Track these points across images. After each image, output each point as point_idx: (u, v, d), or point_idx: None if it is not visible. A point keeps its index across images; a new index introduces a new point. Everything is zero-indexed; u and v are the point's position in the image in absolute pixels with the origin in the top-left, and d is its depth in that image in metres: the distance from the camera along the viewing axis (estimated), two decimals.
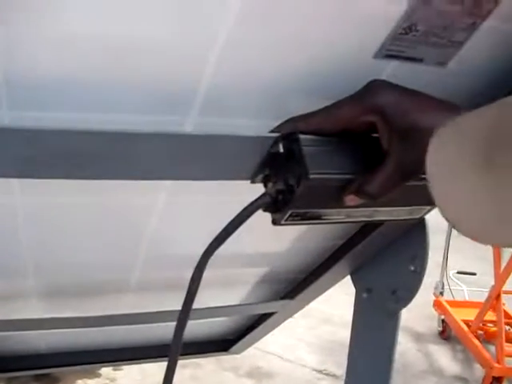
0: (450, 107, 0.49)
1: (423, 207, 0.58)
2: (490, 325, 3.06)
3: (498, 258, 2.86)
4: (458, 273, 3.62)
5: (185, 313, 0.66)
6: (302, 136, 0.49)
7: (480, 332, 3.05)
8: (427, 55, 0.53)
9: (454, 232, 3.24)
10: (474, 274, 3.61)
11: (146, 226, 0.79)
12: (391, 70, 0.54)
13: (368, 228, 0.81)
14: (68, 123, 0.47)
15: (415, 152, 0.46)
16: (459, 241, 3.52)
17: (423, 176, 0.51)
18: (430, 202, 0.58)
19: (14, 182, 0.63)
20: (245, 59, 0.49)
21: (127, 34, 0.45)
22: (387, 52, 0.51)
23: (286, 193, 0.50)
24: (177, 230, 0.81)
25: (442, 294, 3.36)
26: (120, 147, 0.48)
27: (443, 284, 3.36)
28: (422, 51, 0.52)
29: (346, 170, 0.50)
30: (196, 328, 1.28)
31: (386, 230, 0.77)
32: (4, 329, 1.03)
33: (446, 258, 3.32)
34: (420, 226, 0.76)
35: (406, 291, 0.81)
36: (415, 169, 0.47)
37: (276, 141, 0.50)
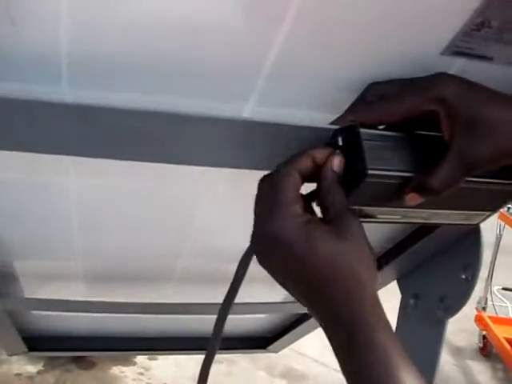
0: None
1: (482, 213, 0.56)
2: None
3: None
4: (503, 289, 3.52)
5: (226, 307, 0.65)
6: (362, 130, 0.47)
7: None
8: (498, 54, 0.51)
9: (501, 247, 3.17)
10: None
11: (197, 214, 0.78)
12: (458, 68, 0.52)
13: (419, 233, 0.79)
14: (127, 104, 0.47)
15: (478, 144, 0.46)
16: (505, 256, 3.43)
17: (485, 178, 0.50)
18: (490, 208, 0.56)
19: (68, 163, 0.63)
20: (307, 52, 0.49)
21: (193, 17, 0.44)
22: (456, 49, 0.49)
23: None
24: (227, 221, 0.80)
25: (484, 309, 3.27)
26: (176, 130, 0.48)
27: (486, 299, 3.28)
28: (493, 49, 0.50)
29: (406, 168, 0.48)
30: (235, 323, 1.27)
31: (438, 236, 0.75)
32: (48, 308, 1.05)
33: (491, 273, 3.24)
34: (474, 233, 0.74)
35: (456, 300, 0.79)
36: (478, 162, 0.46)
37: (335, 133, 0.49)
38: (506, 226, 3.01)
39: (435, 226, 0.73)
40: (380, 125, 0.49)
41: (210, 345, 0.67)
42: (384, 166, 0.47)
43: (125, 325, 1.31)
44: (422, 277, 0.85)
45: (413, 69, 0.51)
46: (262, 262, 0.49)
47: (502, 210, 2.73)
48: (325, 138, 0.50)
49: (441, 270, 0.80)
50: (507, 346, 2.92)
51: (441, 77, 0.48)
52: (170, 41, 0.46)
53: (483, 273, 3.21)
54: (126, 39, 0.46)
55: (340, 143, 0.49)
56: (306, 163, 0.47)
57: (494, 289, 3.39)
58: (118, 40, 0.46)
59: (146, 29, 0.45)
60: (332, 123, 0.50)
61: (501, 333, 3.03)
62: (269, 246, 0.47)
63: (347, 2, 0.44)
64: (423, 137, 0.50)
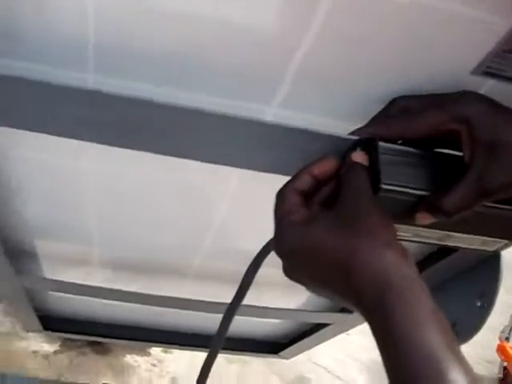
0: None
1: (499, 240, 0.55)
2: None
3: None
4: None
5: (232, 308, 0.65)
6: (381, 143, 0.47)
7: None
8: None
9: None
10: None
11: (217, 212, 0.79)
12: (488, 88, 0.51)
13: (436, 256, 0.77)
14: (147, 94, 0.47)
15: (498, 168, 0.45)
16: None
17: (503, 204, 0.49)
18: (508, 236, 0.55)
19: (89, 148, 0.64)
20: (333, 61, 0.48)
21: (221, 16, 0.44)
22: (487, 69, 0.48)
23: None
24: (245, 222, 0.80)
25: (507, 339, 3.19)
26: (197, 125, 0.48)
27: (510, 329, 3.20)
28: None
29: (421, 186, 0.47)
30: (249, 325, 1.27)
31: (455, 260, 0.73)
32: (65, 290, 1.06)
33: None
34: (494, 259, 0.72)
35: (468, 327, 0.77)
36: (496, 187, 0.45)
37: (354, 144, 0.48)
38: None
39: (453, 250, 0.71)
40: (400, 140, 0.48)
41: (213, 343, 0.67)
42: (399, 182, 0.46)
43: (140, 315, 1.32)
44: (435, 300, 0.83)
45: (441, 86, 0.50)
46: (292, 278, 0.48)
47: None
48: (343, 148, 0.49)
49: (456, 294, 0.79)
50: None
51: (467, 95, 0.47)
52: (200, 37, 0.46)
53: (509, 300, 3.15)
54: (156, 32, 0.46)
55: (358, 153, 0.48)
56: (304, 180, 0.48)
57: None
58: (147, 32, 0.46)
59: (176, 22, 0.45)
60: (352, 133, 0.49)
61: None
62: (291, 262, 0.47)
63: (376, 18, 0.44)
64: (442, 156, 0.49)
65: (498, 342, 3.18)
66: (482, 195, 0.45)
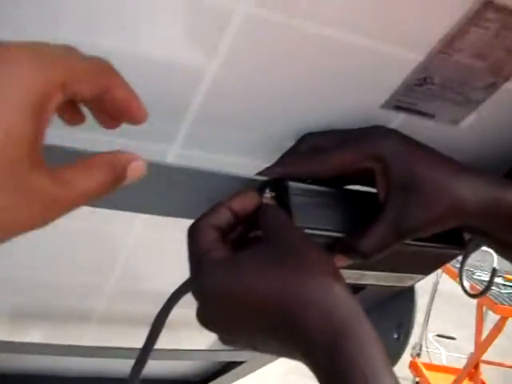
0: (456, 166, 0.44)
1: (414, 276, 0.53)
2: None
3: (480, 326, 2.79)
4: (438, 336, 3.54)
5: (143, 355, 0.60)
6: (291, 183, 0.44)
7: None
8: (440, 111, 0.48)
9: (437, 293, 3.19)
10: (453, 338, 3.54)
11: (120, 255, 0.74)
12: (399, 122, 0.49)
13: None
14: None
15: (415, 208, 0.42)
16: (441, 303, 3.46)
17: (418, 241, 0.47)
18: (422, 271, 0.53)
19: None
20: (236, 98, 0.45)
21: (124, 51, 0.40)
22: (397, 103, 0.47)
23: None
24: (150, 264, 0.75)
25: (419, 355, 3.27)
26: None
27: (421, 345, 3.28)
28: (435, 106, 0.48)
29: (336, 228, 0.44)
30: (164, 366, 1.22)
31: (370, 294, 0.71)
32: None
33: (426, 320, 3.25)
34: (408, 293, 0.71)
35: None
36: (414, 228, 0.43)
37: (262, 185, 0.45)
38: (443, 273, 3.04)
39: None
40: (311, 179, 0.45)
41: None
42: (312, 225, 0.43)
43: (44, 364, 1.23)
44: None
45: (352, 121, 0.48)
46: (208, 324, 0.40)
47: None
48: (252, 189, 0.46)
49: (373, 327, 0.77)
50: None
51: (378, 132, 0.45)
52: None
53: (419, 318, 3.24)
54: None
55: (268, 197, 0.45)
56: (222, 216, 0.42)
57: (430, 335, 3.40)
58: None
59: None
60: (260, 173, 0.46)
61: (434, 380, 3.03)
62: (211, 306, 0.39)
63: (282, 52, 0.41)
64: (358, 194, 0.46)
65: (409, 358, 3.26)
66: (400, 236, 0.43)
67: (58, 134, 0.45)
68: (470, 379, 2.83)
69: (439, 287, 3.17)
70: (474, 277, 2.73)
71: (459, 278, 0.61)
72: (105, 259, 0.76)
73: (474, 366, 2.77)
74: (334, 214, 0.44)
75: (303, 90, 0.45)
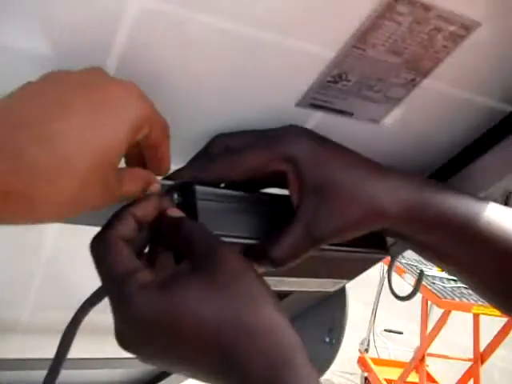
0: (375, 168, 0.42)
1: (338, 280, 0.51)
2: None
3: (425, 319, 2.83)
4: (385, 330, 3.58)
5: (55, 365, 0.56)
6: (198, 187, 0.41)
7: None
8: (359, 109, 0.46)
9: (384, 288, 3.22)
10: (400, 332, 3.59)
11: (38, 263, 0.70)
12: (316, 121, 0.47)
13: (278, 294, 0.73)
14: None
15: (327, 213, 0.40)
16: (388, 298, 3.49)
17: (340, 246, 0.45)
18: (345, 276, 0.51)
19: None
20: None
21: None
22: (312, 101, 0.44)
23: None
24: (68, 271, 0.72)
25: (367, 350, 3.30)
26: None
27: (369, 341, 3.31)
28: (353, 104, 0.45)
29: (247, 234, 0.42)
30: (104, 374, 1.18)
31: (299, 298, 0.69)
32: None
33: (374, 315, 3.28)
34: (339, 296, 0.69)
35: (319, 363, 0.73)
36: (327, 234, 0.41)
37: (170, 190, 0.42)
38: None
39: None
40: (222, 182, 0.43)
41: None
42: (219, 231, 0.39)
43: None
44: None
45: (267, 121, 0.45)
46: (130, 348, 0.36)
47: None
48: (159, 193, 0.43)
49: (304, 332, 0.75)
50: None
51: (291, 132, 0.42)
52: None
53: (367, 314, 3.26)
54: None
55: (175, 201, 0.42)
56: (129, 225, 0.38)
57: (377, 330, 3.43)
58: None
59: None
60: (167, 178, 0.42)
61: (382, 374, 3.06)
62: (137, 331, 0.35)
63: (186, 48, 0.38)
64: (274, 198, 0.44)
65: (358, 354, 3.28)
66: (314, 242, 0.41)
67: None
68: (417, 372, 2.87)
69: (385, 282, 3.20)
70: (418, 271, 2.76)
71: (388, 281, 0.60)
72: (22, 270, 0.72)
73: (420, 359, 2.80)
74: (245, 220, 0.42)
75: (213, 89, 0.42)
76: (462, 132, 0.53)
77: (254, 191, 0.44)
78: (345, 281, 0.52)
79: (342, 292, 0.69)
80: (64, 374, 1.09)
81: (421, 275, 0.58)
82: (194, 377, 0.36)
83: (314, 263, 0.46)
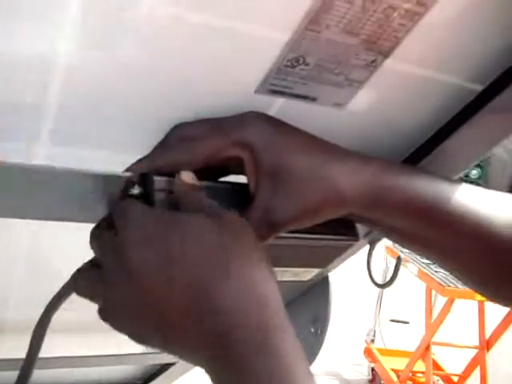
0: (335, 152, 0.41)
1: (311, 269, 0.50)
2: (420, 375, 3.00)
3: (429, 309, 2.82)
4: (391, 321, 3.57)
5: (27, 365, 0.56)
6: (156, 178, 0.40)
7: (409, 382, 2.99)
8: (321, 94, 0.46)
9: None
10: (407, 322, 3.58)
11: (16, 263, 0.69)
12: (279, 108, 0.46)
13: None
14: None
15: (285, 199, 0.40)
16: (392, 289, 3.48)
17: (306, 234, 0.44)
18: (318, 264, 0.50)
19: None
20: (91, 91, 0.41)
21: None
22: (272, 87, 0.44)
23: None
24: (45, 268, 0.71)
25: (373, 341, 3.29)
26: None
27: (375, 331, 3.30)
28: (314, 89, 0.45)
29: None
30: (101, 371, 1.17)
31: (282, 288, 0.69)
32: None
33: (379, 305, 3.27)
34: (322, 284, 0.68)
35: (306, 354, 0.73)
36: (284, 219, 0.40)
37: (128, 181, 0.41)
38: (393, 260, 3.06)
39: None
40: (179, 170, 0.42)
41: None
42: None
43: None
44: None
45: (227, 109, 0.44)
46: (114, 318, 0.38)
47: (388, 245, 2.76)
48: (122, 185, 0.42)
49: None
50: (394, 377, 2.95)
51: (247, 118, 0.41)
52: None
53: (372, 305, 3.25)
54: None
55: (136, 193, 0.41)
56: None
57: (383, 320, 3.43)
58: None
59: None
60: (128, 169, 0.42)
61: (388, 364, 3.05)
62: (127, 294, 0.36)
63: (140, 36, 0.37)
64: (231, 186, 0.43)
65: (364, 345, 3.28)
66: (272, 229, 0.40)
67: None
68: (423, 360, 2.86)
69: (389, 274, 3.18)
70: (423, 260, 2.74)
71: (367, 268, 0.59)
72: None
73: (425, 348, 2.79)
74: None
75: (171, 78, 0.42)
76: (433, 114, 0.52)
77: (213, 180, 0.44)
78: (318, 269, 0.51)
79: (325, 281, 0.68)
80: (60, 372, 1.09)
81: (399, 261, 0.57)
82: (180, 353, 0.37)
83: (280, 252, 0.45)
